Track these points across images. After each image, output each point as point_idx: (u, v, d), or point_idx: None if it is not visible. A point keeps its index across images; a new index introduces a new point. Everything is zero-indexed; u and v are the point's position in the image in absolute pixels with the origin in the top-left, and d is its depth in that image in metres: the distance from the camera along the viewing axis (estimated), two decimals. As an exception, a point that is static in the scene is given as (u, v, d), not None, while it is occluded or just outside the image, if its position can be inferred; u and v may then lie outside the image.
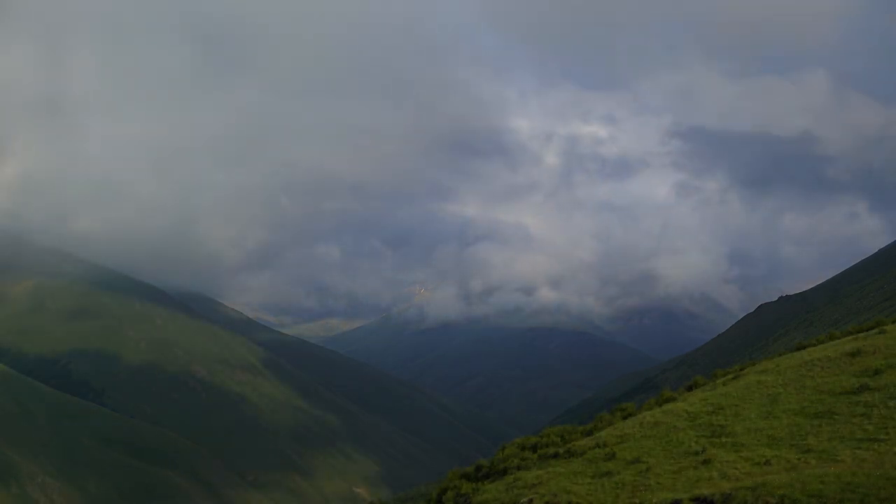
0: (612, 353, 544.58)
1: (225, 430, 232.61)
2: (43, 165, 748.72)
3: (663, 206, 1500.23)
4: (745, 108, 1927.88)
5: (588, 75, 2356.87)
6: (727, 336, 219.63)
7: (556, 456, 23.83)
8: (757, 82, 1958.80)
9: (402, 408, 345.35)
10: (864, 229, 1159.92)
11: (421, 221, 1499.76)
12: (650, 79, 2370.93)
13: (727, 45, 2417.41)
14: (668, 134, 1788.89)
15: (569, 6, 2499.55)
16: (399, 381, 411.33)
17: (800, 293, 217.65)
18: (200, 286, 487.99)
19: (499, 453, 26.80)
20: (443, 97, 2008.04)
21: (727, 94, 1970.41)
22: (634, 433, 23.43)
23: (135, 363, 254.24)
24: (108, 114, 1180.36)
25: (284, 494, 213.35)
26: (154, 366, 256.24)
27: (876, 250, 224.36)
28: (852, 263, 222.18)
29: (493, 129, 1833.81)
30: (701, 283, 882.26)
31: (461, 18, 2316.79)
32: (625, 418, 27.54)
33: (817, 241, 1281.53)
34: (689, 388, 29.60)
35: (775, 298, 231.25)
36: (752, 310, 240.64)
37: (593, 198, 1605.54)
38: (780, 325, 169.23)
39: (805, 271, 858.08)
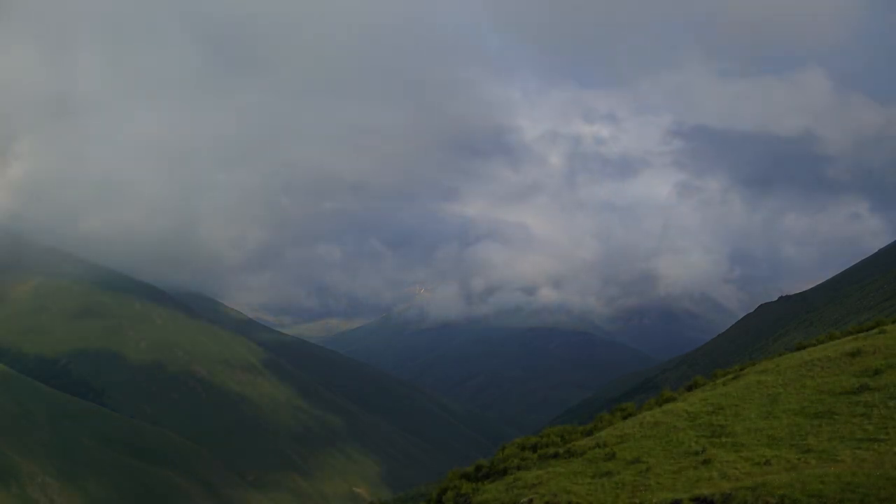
0: (612, 353, 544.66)
1: (225, 430, 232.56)
2: (45, 166, 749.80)
3: (664, 206, 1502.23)
4: (746, 107, 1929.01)
5: (589, 75, 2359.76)
6: (727, 336, 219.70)
7: (556, 456, 23.83)
8: (758, 82, 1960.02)
9: (402, 408, 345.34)
10: (864, 229, 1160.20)
11: (421, 221, 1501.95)
12: (651, 78, 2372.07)
13: (728, 45, 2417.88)
14: (669, 133, 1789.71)
15: (569, 6, 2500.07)
16: (399, 381, 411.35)
17: (800, 293, 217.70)
18: (201, 286, 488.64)
19: (499, 453, 26.80)
20: (443, 97, 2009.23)
21: (728, 93, 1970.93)
22: (634, 433, 23.43)
23: (135, 363, 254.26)
24: (111, 114, 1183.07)
25: (284, 494, 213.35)
26: (154, 366, 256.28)
27: (876, 250, 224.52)
28: (852, 263, 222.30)
29: (494, 128, 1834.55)
30: (701, 283, 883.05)
31: (462, 18, 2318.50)
32: (625, 418, 27.54)
33: (818, 241, 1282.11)
34: (689, 388, 29.59)
35: (775, 298, 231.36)
36: (752, 310, 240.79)
37: (594, 197, 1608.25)
38: (780, 325, 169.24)
39: (805, 271, 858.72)
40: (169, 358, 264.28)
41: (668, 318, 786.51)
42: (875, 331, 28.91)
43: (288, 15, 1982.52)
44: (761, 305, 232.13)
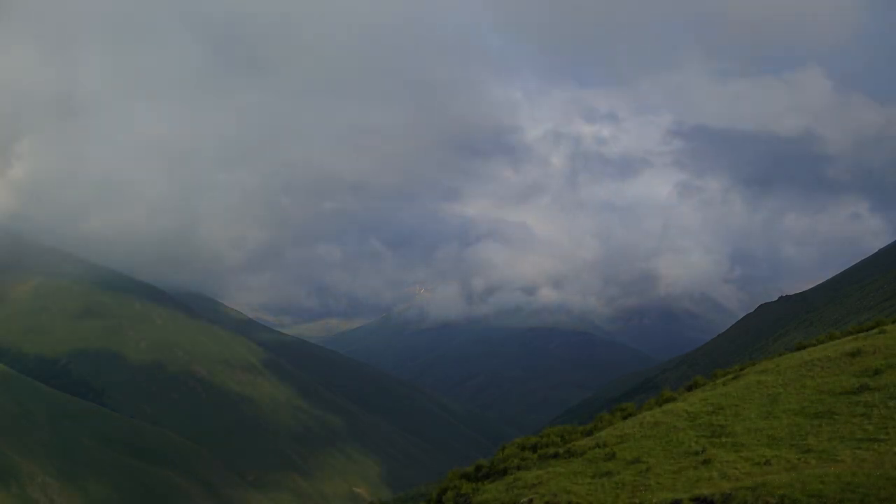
0: (612, 353, 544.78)
1: (225, 430, 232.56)
2: (46, 166, 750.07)
3: (664, 206, 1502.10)
4: (746, 107, 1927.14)
5: (589, 75, 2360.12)
6: (727, 336, 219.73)
7: (556, 456, 23.82)
8: (758, 82, 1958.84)
9: (402, 408, 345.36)
10: (865, 229, 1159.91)
11: (422, 221, 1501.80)
12: (652, 78, 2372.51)
13: (728, 45, 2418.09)
14: (669, 133, 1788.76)
15: (569, 6, 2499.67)
16: (399, 381, 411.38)
17: (800, 293, 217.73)
18: (201, 286, 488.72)
19: (499, 453, 26.80)
20: (444, 97, 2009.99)
21: (728, 93, 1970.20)
22: (634, 433, 23.43)
23: (135, 363, 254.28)
24: (113, 114, 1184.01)
25: (284, 494, 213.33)
26: (154, 366, 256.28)
27: (876, 250, 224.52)
28: (853, 263, 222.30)
29: (494, 128, 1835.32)
30: (701, 283, 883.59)
31: (463, 18, 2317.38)
32: (625, 418, 27.53)
33: (818, 241, 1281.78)
34: (689, 388, 29.59)
35: (775, 298, 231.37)
36: (752, 310, 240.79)
37: (594, 197, 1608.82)
38: (780, 325, 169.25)
39: (806, 271, 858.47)
40: (169, 358, 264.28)
41: (668, 318, 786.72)
42: (875, 331, 28.91)
43: (288, 15, 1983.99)
44: (761, 305, 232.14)
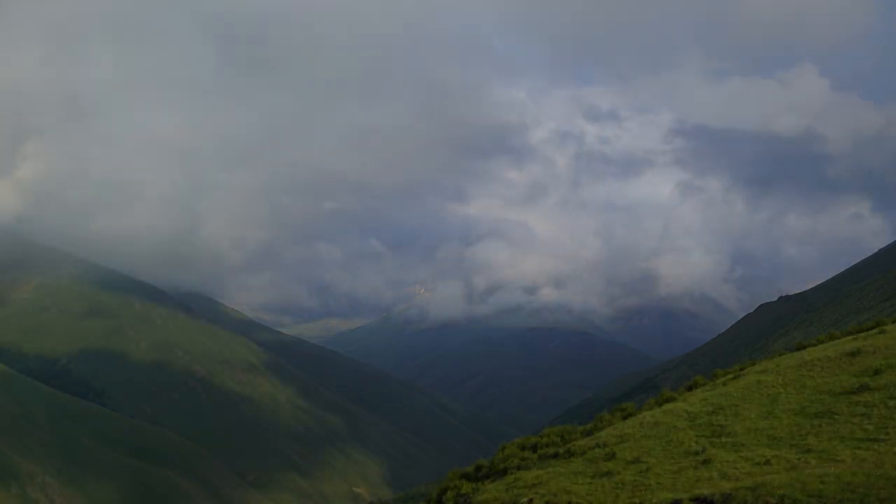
0: (612, 353, 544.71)
1: (225, 430, 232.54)
2: (48, 167, 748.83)
3: (665, 206, 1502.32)
4: (747, 107, 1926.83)
5: (591, 75, 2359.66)
6: (727, 336, 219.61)
7: (556, 456, 23.82)
8: (759, 82, 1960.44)
9: (402, 408, 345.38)
10: (866, 229, 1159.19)
11: (422, 221, 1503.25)
12: (653, 78, 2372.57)
13: (728, 45, 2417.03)
14: (670, 133, 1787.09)
15: (570, 7, 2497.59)
16: (399, 381, 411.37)
17: (800, 293, 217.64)
18: (201, 286, 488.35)
19: (499, 453, 26.78)
20: (446, 97, 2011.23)
21: (729, 93, 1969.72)
22: (634, 433, 23.42)
23: (135, 363, 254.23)
24: (116, 115, 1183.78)
25: (284, 494, 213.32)
26: (154, 366, 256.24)
27: (876, 250, 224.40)
28: (853, 263, 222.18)
29: (496, 128, 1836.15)
30: (701, 283, 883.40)
31: (467, 19, 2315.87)
32: (625, 418, 27.53)
33: (819, 241, 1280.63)
34: (689, 388, 29.59)
35: (775, 298, 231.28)
36: (752, 310, 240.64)
37: (595, 197, 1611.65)
38: (780, 325, 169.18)
39: (806, 271, 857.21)
40: (169, 358, 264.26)
41: (668, 318, 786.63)
42: (875, 331, 28.91)
43: (290, 16, 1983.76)
44: (761, 305, 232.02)
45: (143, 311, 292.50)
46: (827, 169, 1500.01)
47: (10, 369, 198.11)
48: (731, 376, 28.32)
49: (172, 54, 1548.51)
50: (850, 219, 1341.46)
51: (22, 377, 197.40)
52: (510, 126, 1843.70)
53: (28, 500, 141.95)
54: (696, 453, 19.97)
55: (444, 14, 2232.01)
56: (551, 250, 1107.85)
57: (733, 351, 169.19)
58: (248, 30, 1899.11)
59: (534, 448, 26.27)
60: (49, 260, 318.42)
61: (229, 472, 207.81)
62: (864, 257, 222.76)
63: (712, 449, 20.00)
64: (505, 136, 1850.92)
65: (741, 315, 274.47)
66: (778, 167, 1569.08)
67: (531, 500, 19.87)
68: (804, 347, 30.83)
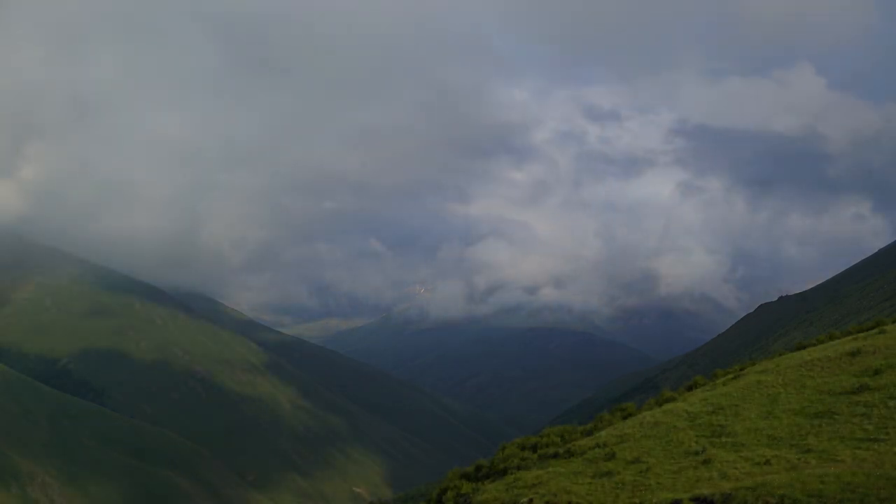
0: (612, 353, 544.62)
1: (225, 430, 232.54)
2: (50, 167, 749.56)
3: (666, 206, 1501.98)
4: (749, 106, 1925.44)
5: (592, 75, 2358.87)
6: (727, 336, 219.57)
7: (556, 456, 23.82)
8: (760, 81, 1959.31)
9: (403, 408, 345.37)
10: (867, 229, 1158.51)
11: (423, 221, 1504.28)
12: (654, 78, 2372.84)
13: (729, 45, 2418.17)
14: (671, 133, 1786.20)
15: (571, 6, 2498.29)
16: (399, 380, 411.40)
17: (800, 293, 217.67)
18: (201, 286, 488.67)
19: (499, 453, 26.78)
20: (447, 97, 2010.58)
21: (731, 92, 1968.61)
22: (634, 433, 23.42)
23: (135, 363, 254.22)
24: (120, 116, 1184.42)
25: (284, 494, 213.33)
26: (154, 366, 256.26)
27: (876, 250, 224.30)
28: (853, 263, 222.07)
29: (497, 128, 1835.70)
30: (702, 283, 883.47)
31: (468, 19, 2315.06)
32: (625, 418, 27.53)
33: (820, 241, 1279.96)
34: (689, 388, 29.59)
35: (775, 298, 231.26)
36: (752, 310, 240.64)
37: (596, 197, 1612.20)
38: (780, 325, 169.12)
39: (807, 271, 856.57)
40: (169, 358, 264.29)
41: (668, 318, 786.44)
42: (875, 331, 28.92)
43: (292, 16, 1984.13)
44: (761, 305, 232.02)
45: (143, 311, 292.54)
46: (828, 169, 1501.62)
47: (10, 369, 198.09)
48: (731, 376, 28.32)
49: (175, 55, 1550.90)
50: (850, 219, 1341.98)
51: (22, 377, 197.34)
52: (511, 126, 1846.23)
53: (28, 500, 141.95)
54: (696, 453, 19.97)
55: (446, 14, 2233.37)
56: (552, 250, 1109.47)
57: (733, 351, 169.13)
58: (249, 30, 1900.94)
59: (534, 448, 26.26)
60: (50, 260, 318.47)
61: (229, 472, 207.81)
62: (864, 257, 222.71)
63: (712, 449, 20.00)
64: (506, 136, 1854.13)
65: (741, 315, 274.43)
66: (779, 167, 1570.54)
67: (531, 500, 19.87)
68: (804, 347, 30.83)
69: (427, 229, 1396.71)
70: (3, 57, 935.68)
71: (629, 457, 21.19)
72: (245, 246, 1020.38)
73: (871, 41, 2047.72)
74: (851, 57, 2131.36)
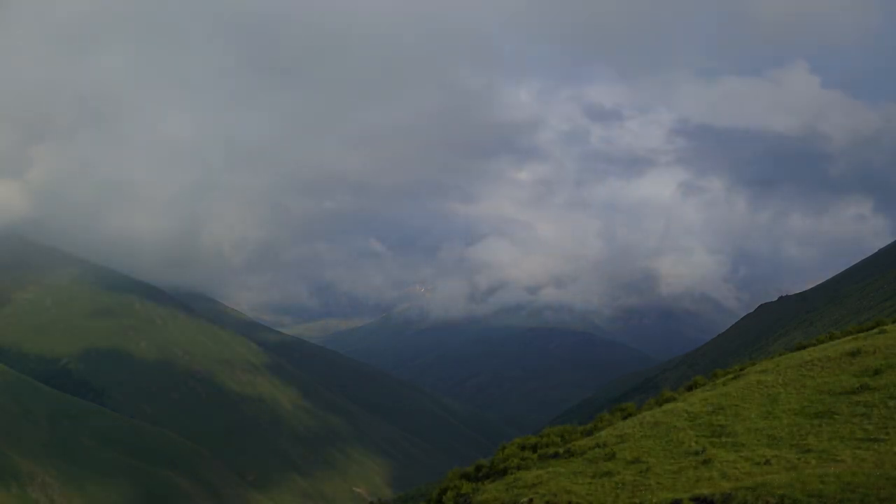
0: (612, 353, 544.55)
1: (225, 430, 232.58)
2: (51, 168, 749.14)
3: (667, 206, 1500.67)
4: (749, 106, 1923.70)
5: (595, 75, 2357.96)
6: (727, 336, 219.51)
7: (556, 456, 23.82)
8: (762, 81, 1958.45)
9: (403, 408, 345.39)
10: (868, 229, 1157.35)
11: (423, 221, 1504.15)
12: (655, 77, 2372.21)
13: (730, 44, 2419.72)
14: (672, 132, 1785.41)
15: (573, 6, 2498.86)
16: (399, 380, 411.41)
17: (800, 293, 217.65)
18: (201, 286, 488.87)
19: (499, 453, 26.77)
20: (448, 96, 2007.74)
21: (732, 92, 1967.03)
22: (634, 433, 23.42)
23: (135, 363, 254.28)
24: (123, 117, 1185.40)
25: (284, 494, 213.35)
26: (154, 366, 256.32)
27: (876, 250, 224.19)
28: (853, 263, 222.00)
29: (498, 127, 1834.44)
30: (702, 283, 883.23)
31: (472, 20, 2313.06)
32: (625, 418, 27.52)
33: (821, 241, 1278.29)
34: (689, 388, 29.58)
35: (775, 298, 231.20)
36: (752, 310, 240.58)
37: (597, 197, 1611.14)
38: (780, 325, 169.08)
39: (808, 271, 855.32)
40: (169, 358, 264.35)
41: (668, 318, 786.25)
42: (875, 331, 28.91)
43: (298, 17, 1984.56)
44: (761, 305, 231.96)
45: (143, 311, 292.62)
46: (829, 169, 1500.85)
47: (10, 369, 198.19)
48: (731, 376, 28.32)
49: (178, 55, 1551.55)
50: (852, 219, 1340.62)
51: (22, 377, 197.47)
52: (512, 126, 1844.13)
53: (28, 500, 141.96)
54: (696, 453, 19.97)
55: (450, 15, 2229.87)
56: (553, 250, 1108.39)
57: (733, 351, 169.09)
58: (253, 31, 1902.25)
59: (534, 448, 26.25)
60: (50, 260, 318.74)
61: (229, 472, 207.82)
62: (864, 257, 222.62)
63: (712, 449, 20.00)
64: (507, 135, 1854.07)
65: (741, 315, 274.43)
66: (780, 167, 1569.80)
67: (531, 500, 19.87)
68: (804, 347, 30.83)
69: (427, 229, 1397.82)
70: (7, 58, 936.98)
71: (629, 457, 21.19)
72: (245, 246, 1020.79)
73: (872, 41, 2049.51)
74: (853, 56, 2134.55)
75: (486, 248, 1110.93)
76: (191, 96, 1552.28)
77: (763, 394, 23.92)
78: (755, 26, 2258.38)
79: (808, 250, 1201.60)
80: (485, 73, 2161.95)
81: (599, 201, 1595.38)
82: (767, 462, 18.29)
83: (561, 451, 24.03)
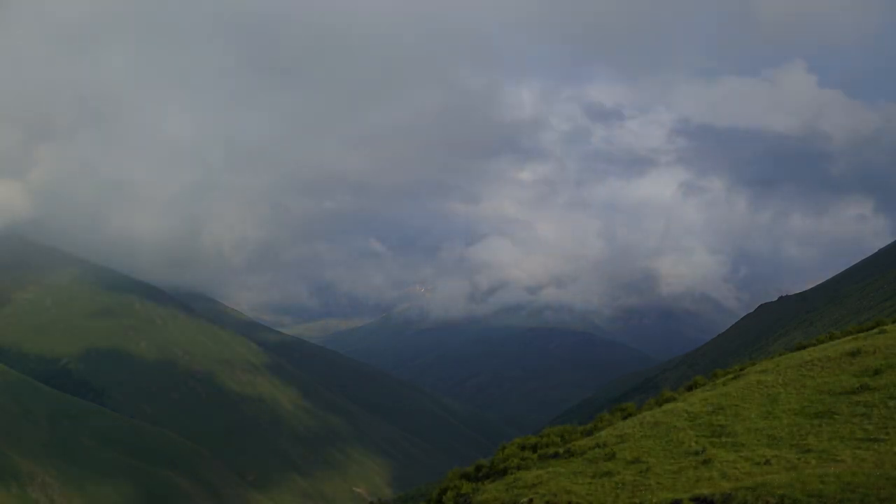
0: (612, 353, 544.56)
1: (225, 430, 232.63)
2: (52, 169, 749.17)
3: (667, 206, 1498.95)
4: (750, 106, 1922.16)
5: (596, 75, 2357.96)
6: (727, 336, 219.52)
7: (556, 456, 23.82)
8: (762, 81, 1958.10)
9: (403, 408, 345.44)
10: (869, 229, 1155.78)
11: (423, 221, 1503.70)
12: (655, 77, 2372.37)
13: (731, 44, 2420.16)
14: (673, 133, 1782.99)
15: (575, 6, 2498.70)
16: (399, 380, 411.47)
17: (800, 293, 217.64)
18: (201, 286, 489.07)
19: (499, 453, 26.77)
20: (449, 96, 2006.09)
21: (732, 92, 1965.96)
22: (634, 433, 23.42)
23: (135, 363, 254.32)
24: (125, 117, 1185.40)
25: (284, 494, 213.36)
26: (154, 366, 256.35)
27: (876, 250, 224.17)
28: (853, 263, 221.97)
29: (499, 127, 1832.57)
30: (702, 283, 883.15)
31: (474, 20, 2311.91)
32: (625, 418, 27.52)
33: (821, 241, 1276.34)
34: (689, 388, 29.58)
35: (775, 298, 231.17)
36: (752, 310, 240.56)
37: (598, 197, 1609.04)
38: (780, 325, 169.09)
39: (808, 272, 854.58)
40: (169, 358, 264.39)
41: (668, 318, 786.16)
42: (875, 331, 28.91)
43: (299, 17, 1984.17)
44: (761, 305, 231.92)
45: (143, 311, 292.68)
46: (829, 169, 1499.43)
47: (10, 369, 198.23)
48: (731, 376, 28.32)
49: (180, 56, 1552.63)
50: (852, 219, 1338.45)
51: (22, 377, 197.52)
52: (513, 126, 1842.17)
53: (28, 500, 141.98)
54: (696, 453, 19.97)
55: (450, 14, 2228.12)
56: (553, 250, 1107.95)
57: (733, 351, 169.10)
58: (255, 31, 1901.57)
59: (534, 448, 26.25)
60: (50, 260, 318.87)
61: (229, 472, 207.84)
62: (864, 257, 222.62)
63: (712, 449, 20.00)
64: (508, 135, 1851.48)
65: (741, 315, 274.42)
66: (780, 167, 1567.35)
67: (531, 500, 19.87)
68: (804, 347, 30.83)
69: (428, 229, 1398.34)
70: (8, 58, 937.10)
71: (629, 457, 21.19)
72: (245, 246, 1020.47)
73: (872, 41, 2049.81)
74: (852, 56, 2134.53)
75: (486, 247, 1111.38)
76: (191, 96, 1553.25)
77: (763, 394, 23.92)
78: (755, 26, 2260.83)
79: (808, 250, 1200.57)
80: (485, 72, 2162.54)
81: (600, 201, 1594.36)
82: (767, 462, 18.29)
83: (561, 451, 24.03)
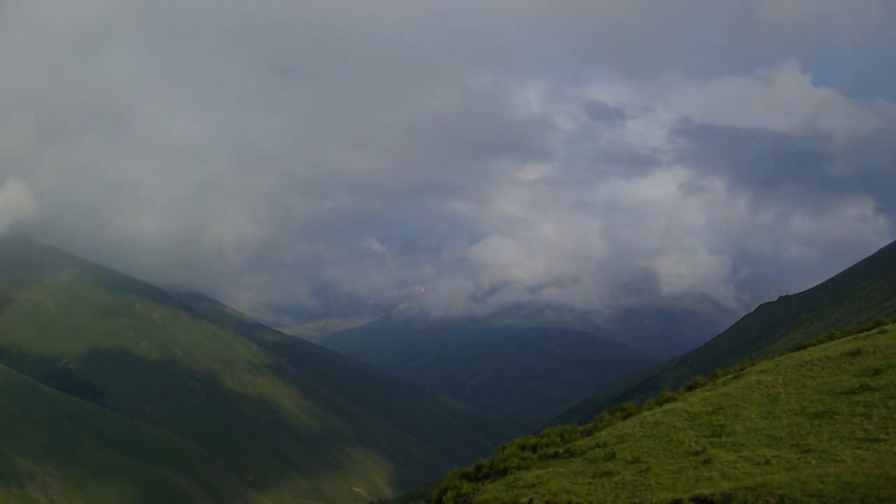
0: (612, 353, 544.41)
1: (225, 430, 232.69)
2: (53, 169, 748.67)
3: (668, 206, 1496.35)
4: (750, 106, 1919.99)
5: (598, 75, 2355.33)
6: (727, 336, 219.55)
7: (556, 456, 23.82)
8: (763, 81, 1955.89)
9: (403, 408, 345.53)
10: (869, 229, 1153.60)
11: (424, 220, 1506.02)
12: (656, 77, 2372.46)
13: (731, 44, 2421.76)
14: (673, 132, 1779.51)
15: (576, 6, 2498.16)
16: (399, 380, 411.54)
17: (800, 293, 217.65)
18: (201, 286, 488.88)
19: (499, 453, 26.77)
20: (450, 95, 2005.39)
21: (733, 92, 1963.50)
22: (634, 433, 23.42)
23: (135, 363, 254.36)
24: (130, 118, 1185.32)
25: (285, 494, 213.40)
26: (155, 366, 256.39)
27: (876, 250, 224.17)
28: (853, 263, 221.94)
29: (500, 127, 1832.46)
30: (702, 283, 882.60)
31: (478, 21, 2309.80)
32: (625, 418, 27.52)
33: (822, 241, 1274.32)
34: (689, 388, 29.58)
35: (775, 298, 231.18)
36: (752, 310, 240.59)
37: (599, 196, 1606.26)
38: (780, 325, 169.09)
39: (809, 272, 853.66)
40: (169, 358, 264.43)
41: (668, 318, 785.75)
42: (875, 331, 28.92)
43: (305, 19, 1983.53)
44: (761, 305, 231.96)
45: (143, 311, 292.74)
46: (830, 169, 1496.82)
47: (10, 369, 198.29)
48: (731, 376, 28.32)
49: (184, 58, 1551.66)
50: (853, 219, 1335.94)
51: (22, 377, 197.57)
52: (515, 126, 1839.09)
53: (28, 500, 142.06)
54: (696, 453, 19.97)
55: (454, 15, 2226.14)
56: (553, 249, 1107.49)
57: (733, 351, 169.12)
58: (261, 33, 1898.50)
59: (534, 448, 26.25)
60: (51, 261, 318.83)
61: (229, 472, 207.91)
62: (864, 257, 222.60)
63: (712, 449, 20.00)
64: (509, 135, 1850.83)
65: (741, 315, 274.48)
66: (781, 167, 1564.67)
67: (531, 500, 19.88)
68: (804, 347, 30.84)
69: (428, 229, 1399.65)
70: (13, 59, 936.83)
71: (629, 457, 21.19)
72: (246, 246, 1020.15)
73: (872, 41, 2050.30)
74: (852, 57, 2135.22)
75: (487, 247, 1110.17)
76: (194, 98, 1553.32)
77: (763, 394, 23.92)
78: (756, 26, 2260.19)
79: (808, 250, 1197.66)
80: (488, 73, 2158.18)
81: (601, 201, 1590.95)
82: (767, 462, 18.29)
83: (561, 451, 24.03)
